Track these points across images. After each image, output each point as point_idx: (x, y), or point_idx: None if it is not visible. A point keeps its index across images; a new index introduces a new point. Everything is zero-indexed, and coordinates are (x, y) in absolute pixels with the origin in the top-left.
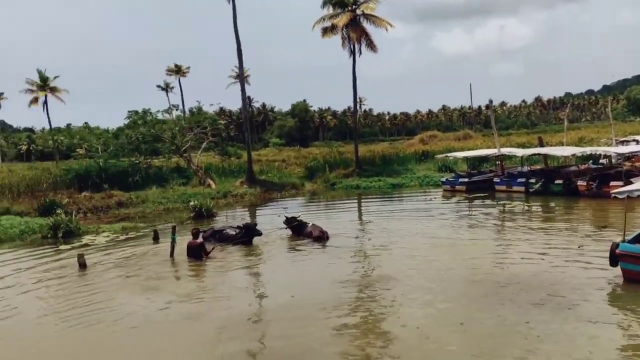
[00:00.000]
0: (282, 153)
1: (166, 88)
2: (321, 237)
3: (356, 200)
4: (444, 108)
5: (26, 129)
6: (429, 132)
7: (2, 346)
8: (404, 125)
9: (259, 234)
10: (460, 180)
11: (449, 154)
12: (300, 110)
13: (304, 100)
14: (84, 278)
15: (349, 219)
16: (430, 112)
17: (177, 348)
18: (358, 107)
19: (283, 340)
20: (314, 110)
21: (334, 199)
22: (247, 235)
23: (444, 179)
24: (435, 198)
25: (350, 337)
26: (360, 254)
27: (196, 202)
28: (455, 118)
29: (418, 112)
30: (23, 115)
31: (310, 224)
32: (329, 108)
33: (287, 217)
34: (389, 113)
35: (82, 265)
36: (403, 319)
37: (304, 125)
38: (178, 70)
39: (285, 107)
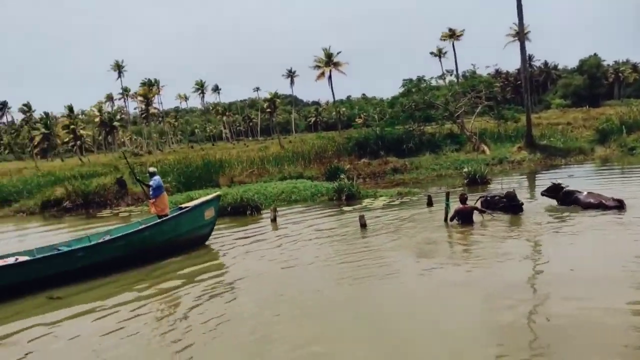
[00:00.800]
0: (567, 115)
1: (439, 54)
2: (620, 207)
3: None
4: None
5: (314, 103)
6: None
7: (281, 285)
8: None
9: (518, 203)
10: None
11: None
12: (589, 66)
13: (595, 54)
14: (361, 236)
15: None
16: None
17: (444, 311)
18: None
19: (557, 313)
20: (608, 65)
21: (632, 166)
22: (510, 203)
23: None
24: None
25: None
26: None
27: (469, 168)
28: None
29: None
30: (311, 90)
31: (585, 192)
32: (627, 60)
33: (553, 184)
34: None
35: (363, 226)
36: None
37: (595, 82)
38: (452, 35)
39: (572, 64)
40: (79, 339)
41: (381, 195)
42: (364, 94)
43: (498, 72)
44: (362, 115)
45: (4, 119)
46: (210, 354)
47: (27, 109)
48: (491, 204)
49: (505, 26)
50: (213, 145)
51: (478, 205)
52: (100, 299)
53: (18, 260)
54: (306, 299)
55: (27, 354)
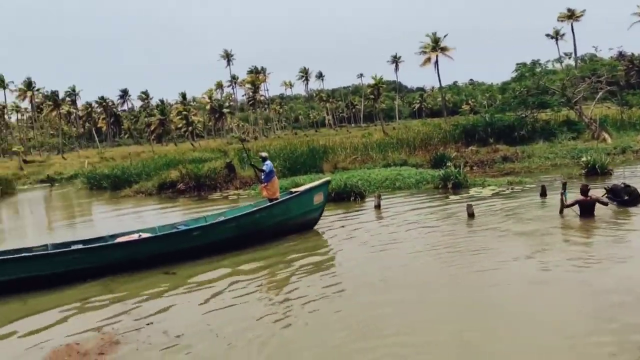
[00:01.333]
0: None
1: (556, 36)
2: None
3: None
4: None
5: (418, 89)
6: None
7: (381, 271)
8: None
9: (622, 198)
10: None
11: None
12: None
13: None
14: (468, 226)
15: None
16: None
17: (550, 308)
18: None
19: None
20: None
21: None
22: (614, 197)
23: None
24: None
25: None
26: None
27: (588, 157)
28: None
29: None
30: (415, 75)
31: None
32: None
33: None
34: None
35: (471, 215)
36: None
37: None
38: (571, 15)
39: None
40: (190, 310)
41: (490, 184)
42: (471, 80)
43: (622, 55)
44: (469, 102)
45: (125, 106)
46: (308, 331)
47: (145, 96)
48: (614, 195)
49: (632, 4)
50: (316, 131)
51: (604, 198)
52: (211, 275)
53: (142, 237)
54: (405, 285)
55: (148, 325)
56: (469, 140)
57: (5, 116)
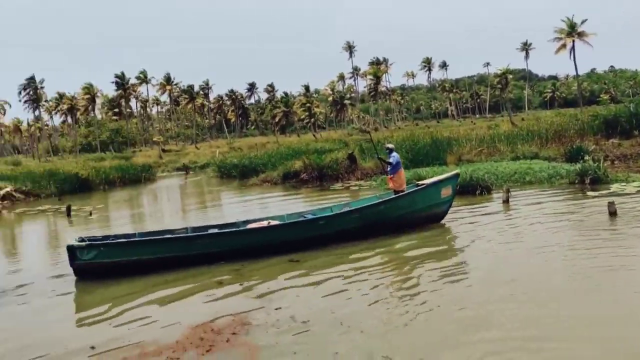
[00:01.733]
0: None
1: None
2: None
3: None
4: None
5: (550, 77)
6: None
7: (507, 268)
8: None
9: None
10: None
11: None
12: None
13: None
14: (610, 225)
15: None
16: None
17: None
18: None
19: None
20: None
21: None
22: None
23: None
24: None
25: None
26: None
27: None
28: None
29: None
30: (548, 63)
31: None
32: None
33: None
34: None
35: (612, 213)
36: None
37: None
38: None
39: None
40: (314, 296)
41: (635, 180)
42: (612, 66)
43: None
44: (610, 90)
45: (252, 99)
46: (424, 325)
47: (270, 89)
48: None
49: None
50: (438, 122)
51: None
52: (333, 264)
53: (271, 224)
54: (533, 285)
55: (276, 309)
56: (610, 132)
57: (148, 109)
